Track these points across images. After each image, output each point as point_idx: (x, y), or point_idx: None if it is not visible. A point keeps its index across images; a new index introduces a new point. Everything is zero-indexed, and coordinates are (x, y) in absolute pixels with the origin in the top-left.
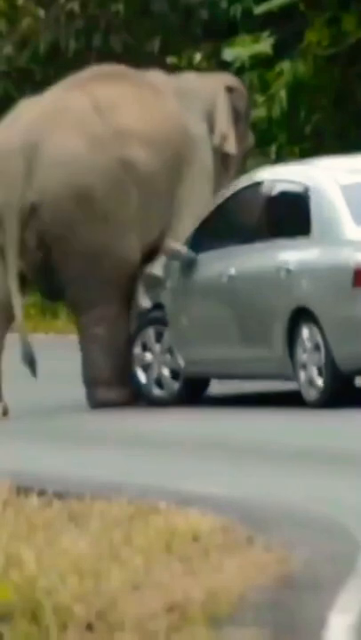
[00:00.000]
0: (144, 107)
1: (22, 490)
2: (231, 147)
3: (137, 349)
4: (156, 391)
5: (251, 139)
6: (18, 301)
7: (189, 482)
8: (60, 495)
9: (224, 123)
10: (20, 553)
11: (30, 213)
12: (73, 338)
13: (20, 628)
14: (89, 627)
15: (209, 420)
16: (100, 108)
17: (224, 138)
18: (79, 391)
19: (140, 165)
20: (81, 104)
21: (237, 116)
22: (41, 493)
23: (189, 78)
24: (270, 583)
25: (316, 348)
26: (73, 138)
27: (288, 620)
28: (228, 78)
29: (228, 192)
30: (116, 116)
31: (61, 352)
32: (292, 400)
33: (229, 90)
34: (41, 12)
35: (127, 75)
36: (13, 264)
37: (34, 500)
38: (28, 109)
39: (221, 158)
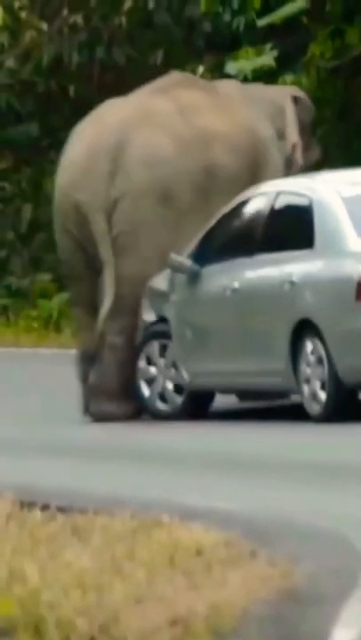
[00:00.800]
0: (222, 112)
1: (25, 504)
2: (300, 157)
3: (141, 363)
4: (160, 405)
5: (317, 151)
6: (109, 300)
7: (193, 496)
8: (63, 509)
9: (294, 133)
10: (23, 567)
11: (113, 209)
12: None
13: None
14: None
15: (212, 434)
16: (184, 111)
17: (294, 148)
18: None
19: (222, 170)
20: (166, 107)
21: (302, 128)
22: (44, 507)
23: (256, 87)
24: (274, 597)
25: (320, 361)
26: (159, 139)
27: (291, 634)
28: (293, 89)
29: (231, 205)
30: (200, 120)
31: (65, 366)
32: (295, 414)
33: (295, 100)
34: (44, 25)
35: (199, 83)
36: (110, 260)
37: (37, 514)
38: (115, 110)
39: (286, 167)
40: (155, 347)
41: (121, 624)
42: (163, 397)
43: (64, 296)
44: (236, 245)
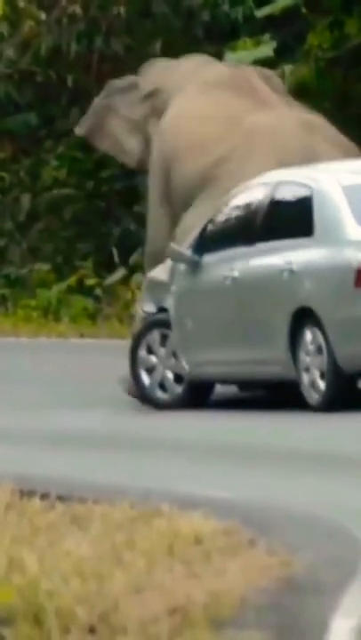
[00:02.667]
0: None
1: (25, 492)
2: None
3: (142, 352)
4: (160, 394)
5: None
6: None
7: (192, 485)
8: (62, 498)
9: None
10: (23, 556)
11: None
12: (75, 342)
13: (22, 631)
14: (91, 629)
15: (212, 423)
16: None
17: None
18: (82, 393)
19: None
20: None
21: None
22: (44, 496)
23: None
24: (273, 586)
25: (319, 350)
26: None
27: (290, 623)
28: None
29: (232, 194)
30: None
31: (63, 355)
32: (295, 403)
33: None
34: (43, 15)
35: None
36: None
37: (36, 502)
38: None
39: None
40: (155, 336)
41: (120, 613)
42: (162, 386)
43: (62, 285)
44: (237, 235)
